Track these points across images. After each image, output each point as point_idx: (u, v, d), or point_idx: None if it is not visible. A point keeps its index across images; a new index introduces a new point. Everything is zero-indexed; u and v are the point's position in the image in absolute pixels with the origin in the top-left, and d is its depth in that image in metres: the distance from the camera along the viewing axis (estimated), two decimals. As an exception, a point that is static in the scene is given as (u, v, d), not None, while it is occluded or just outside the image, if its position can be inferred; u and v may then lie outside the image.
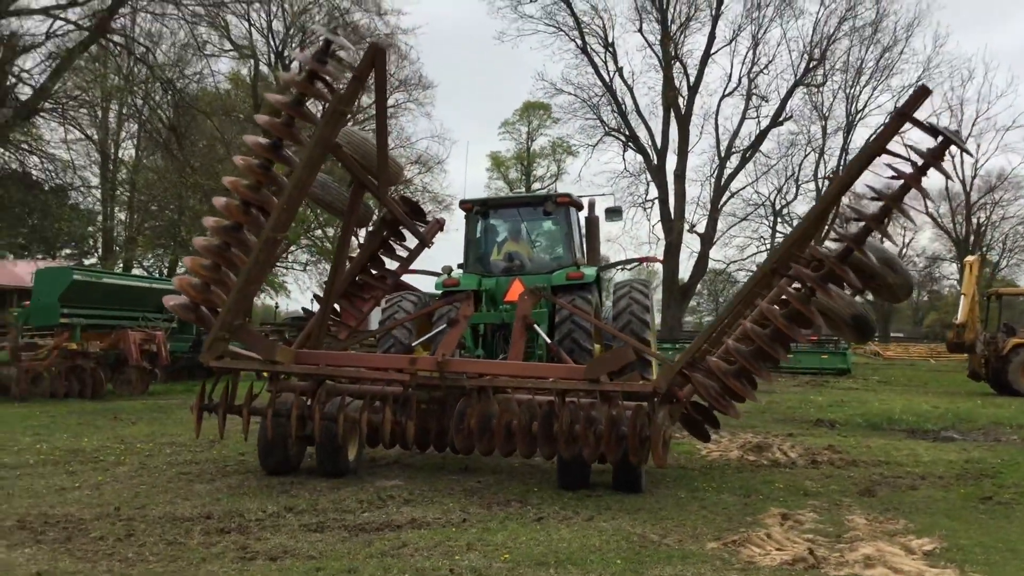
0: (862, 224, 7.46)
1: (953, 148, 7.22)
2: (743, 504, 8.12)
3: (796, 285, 7.76)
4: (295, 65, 30.82)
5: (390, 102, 44.57)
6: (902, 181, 7.22)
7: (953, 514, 7.85)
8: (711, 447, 11.41)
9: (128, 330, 19.38)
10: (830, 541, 6.72)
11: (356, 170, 9.24)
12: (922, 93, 7.11)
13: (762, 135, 48.92)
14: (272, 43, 42.83)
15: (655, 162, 47.25)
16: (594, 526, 7.04)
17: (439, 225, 11.34)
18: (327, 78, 8.15)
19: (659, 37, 46.88)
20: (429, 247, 11.06)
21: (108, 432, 12.51)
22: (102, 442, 11.42)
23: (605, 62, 48.04)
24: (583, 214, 14.20)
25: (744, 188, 52.35)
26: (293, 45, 41.19)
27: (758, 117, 49.34)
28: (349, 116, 9.41)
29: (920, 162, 7.17)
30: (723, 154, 48.97)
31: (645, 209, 49.17)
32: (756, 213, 53.32)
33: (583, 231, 14.02)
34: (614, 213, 14.69)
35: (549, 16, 48.01)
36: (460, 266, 13.35)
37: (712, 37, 47.10)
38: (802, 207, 51.15)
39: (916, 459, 10.99)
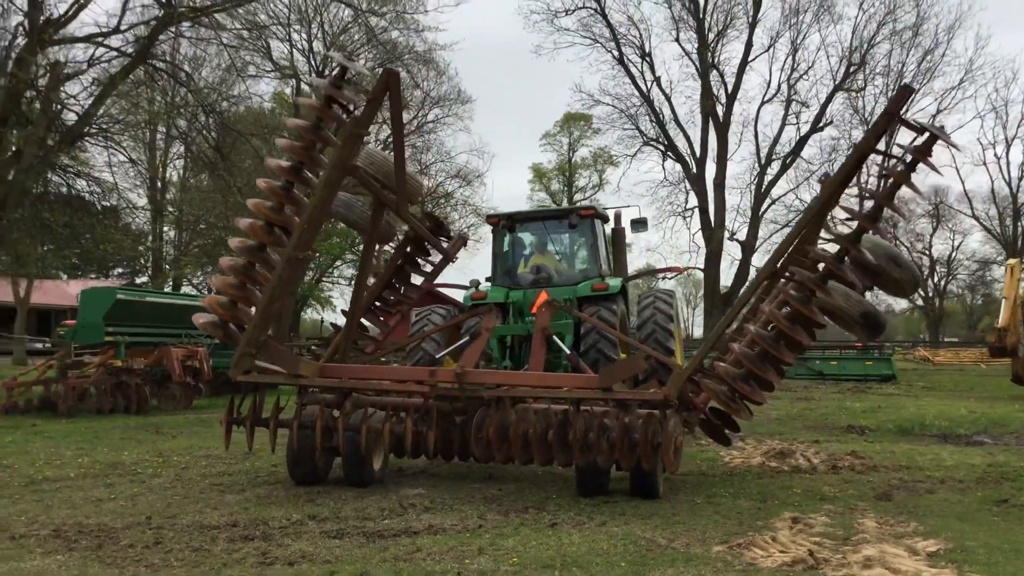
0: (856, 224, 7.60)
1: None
2: (757, 509, 8.21)
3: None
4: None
5: (429, 117, 45.16)
6: (892, 179, 7.36)
7: (966, 517, 7.88)
8: (734, 454, 11.51)
9: (170, 347, 19.82)
10: (836, 544, 6.79)
11: (375, 189, 9.54)
12: (905, 92, 7.28)
13: (803, 141, 48.51)
14: (313, 63, 43.60)
15: (694, 171, 47.09)
16: (605, 531, 7.19)
17: (463, 240, 11.60)
18: (343, 102, 8.47)
19: (696, 46, 46.78)
20: (453, 262, 11.34)
21: (148, 446, 12.91)
22: (141, 455, 11.80)
23: (642, 72, 48.00)
24: (609, 226, 14.45)
25: (786, 194, 51.90)
26: (333, 64, 41.74)
27: (798, 123, 48.98)
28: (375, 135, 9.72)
29: (908, 159, 7.30)
30: (763, 161, 48.68)
31: (685, 218, 49.12)
32: (798, 220, 52.78)
33: (608, 242, 14.26)
34: (639, 224, 14.93)
35: (585, 28, 48.11)
36: (488, 279, 13.65)
37: (749, 44, 46.87)
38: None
39: (939, 463, 10.97)
